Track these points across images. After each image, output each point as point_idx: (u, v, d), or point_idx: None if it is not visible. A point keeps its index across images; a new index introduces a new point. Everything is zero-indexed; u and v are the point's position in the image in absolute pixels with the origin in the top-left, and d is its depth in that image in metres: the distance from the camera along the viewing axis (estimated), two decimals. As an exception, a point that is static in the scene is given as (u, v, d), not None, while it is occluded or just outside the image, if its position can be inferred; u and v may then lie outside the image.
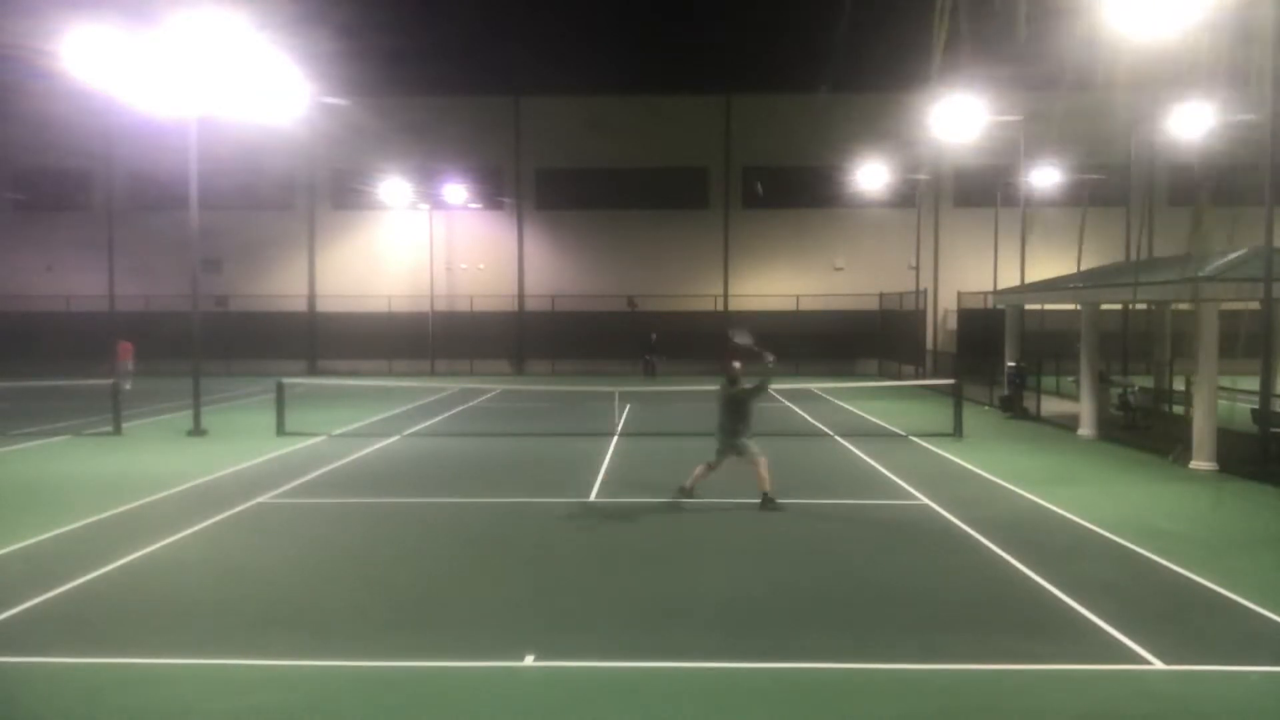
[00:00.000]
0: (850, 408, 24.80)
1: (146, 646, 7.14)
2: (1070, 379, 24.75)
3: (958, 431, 18.94)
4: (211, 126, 23.11)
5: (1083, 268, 23.70)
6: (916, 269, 37.16)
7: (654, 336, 36.78)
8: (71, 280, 39.26)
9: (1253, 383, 15.36)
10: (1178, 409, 19.12)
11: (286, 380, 21.01)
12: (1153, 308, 21.72)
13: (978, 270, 35.56)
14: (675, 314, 38.61)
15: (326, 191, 39.99)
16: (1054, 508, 12.23)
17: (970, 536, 10.72)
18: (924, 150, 35.01)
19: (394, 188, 38.47)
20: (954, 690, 6.46)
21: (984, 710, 6.16)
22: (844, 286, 39.01)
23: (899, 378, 33.07)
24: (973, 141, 30.21)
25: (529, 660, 6.93)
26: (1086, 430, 19.42)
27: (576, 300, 39.18)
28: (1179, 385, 19.51)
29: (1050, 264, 31.14)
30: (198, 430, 19.39)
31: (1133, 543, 10.27)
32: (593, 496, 13.13)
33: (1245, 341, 16.06)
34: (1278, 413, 14.96)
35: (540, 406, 25.33)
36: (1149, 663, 6.90)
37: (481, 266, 39.65)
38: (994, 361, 24.78)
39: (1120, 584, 8.86)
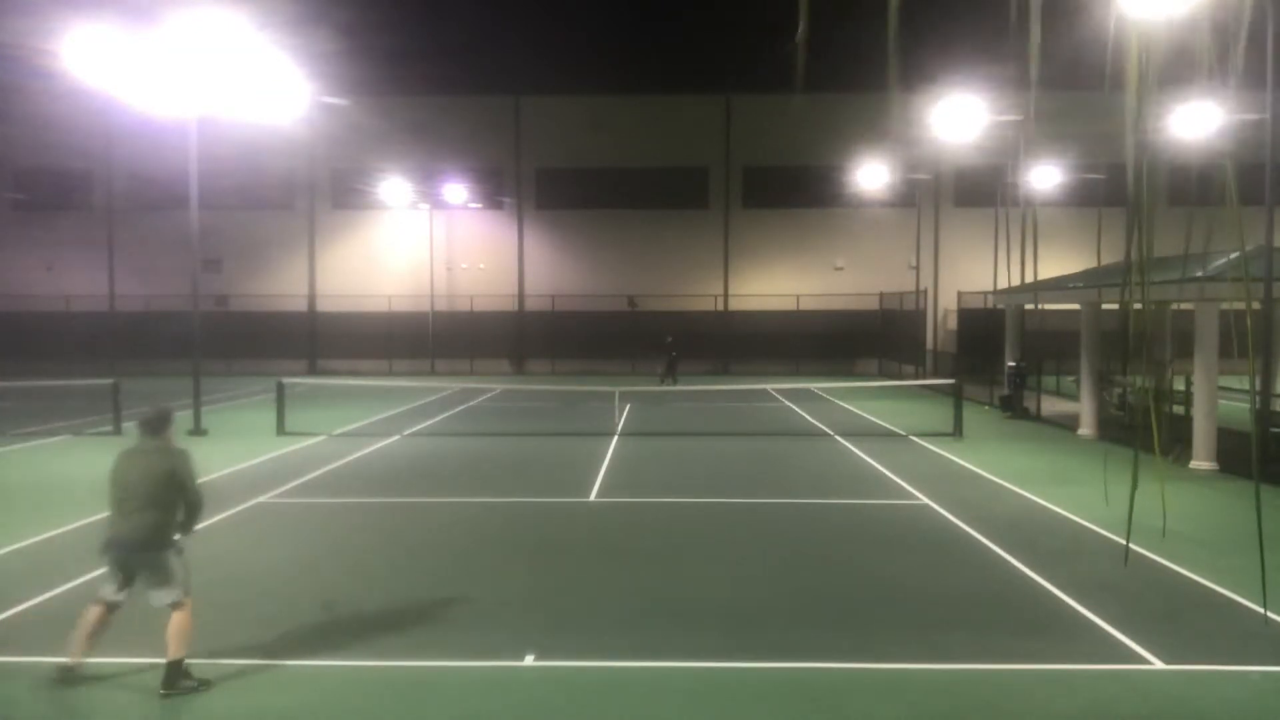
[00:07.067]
0: (850, 407, 24.80)
1: (146, 646, 7.13)
2: (1070, 379, 24.75)
3: (958, 431, 18.94)
4: (211, 126, 23.10)
5: (1085, 268, 23.70)
6: (916, 269, 37.16)
7: (669, 339, 33.74)
8: (71, 280, 39.26)
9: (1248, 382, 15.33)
10: (1179, 409, 19.11)
11: (286, 380, 21.01)
12: (1153, 307, 21.72)
13: (978, 270, 35.56)
14: (675, 314, 38.58)
15: (326, 191, 39.98)
16: (1054, 508, 12.23)
17: (970, 536, 10.72)
18: (924, 150, 35.00)
19: (394, 187, 38.47)
20: (954, 690, 6.46)
21: (984, 710, 6.16)
22: (844, 286, 39.01)
23: (899, 377, 33.07)
24: (973, 141, 30.20)
25: (529, 660, 6.93)
26: (1086, 430, 19.42)
27: (576, 300, 39.18)
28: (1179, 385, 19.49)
29: (1051, 264, 31.10)
30: (198, 430, 19.38)
31: (1133, 542, 10.25)
32: (593, 496, 13.13)
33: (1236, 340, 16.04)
34: (1277, 412, 14.97)
35: (540, 406, 25.33)
36: (1149, 663, 6.90)
37: (482, 266, 39.65)
38: (994, 361, 24.78)
39: (1120, 584, 8.85)
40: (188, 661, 6.43)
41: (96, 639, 6.46)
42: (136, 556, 6.34)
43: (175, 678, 6.30)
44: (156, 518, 6.29)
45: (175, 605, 6.36)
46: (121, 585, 6.44)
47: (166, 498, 6.32)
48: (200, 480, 6.67)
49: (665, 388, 30.68)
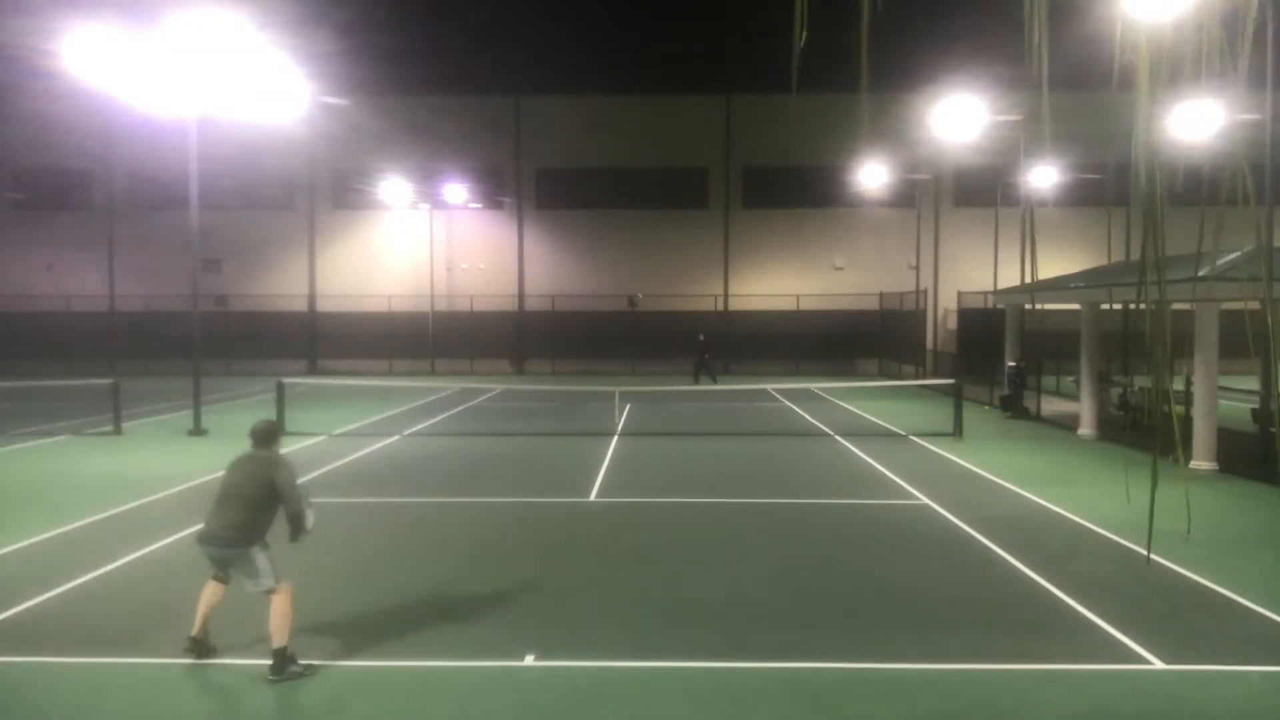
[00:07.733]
0: (850, 407, 24.80)
1: (146, 646, 7.14)
2: (1070, 379, 24.76)
3: (958, 431, 18.94)
4: (211, 126, 23.10)
5: (1085, 268, 23.68)
6: (916, 269, 37.17)
7: (702, 337, 33.54)
8: (71, 280, 39.25)
9: (1248, 382, 15.36)
10: (1178, 409, 19.10)
11: (287, 380, 21.01)
12: (1153, 307, 21.69)
13: (978, 270, 35.56)
14: (675, 314, 38.61)
15: (326, 191, 39.97)
16: (1054, 508, 12.23)
17: (970, 536, 10.72)
18: (924, 150, 35.00)
19: (394, 187, 38.45)
20: (954, 690, 6.46)
21: (984, 710, 6.16)
22: (844, 286, 39.00)
23: (899, 377, 33.07)
24: (973, 141, 30.20)
25: (529, 660, 6.93)
26: (1086, 430, 19.42)
27: (576, 300, 39.17)
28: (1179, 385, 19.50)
29: (1052, 264, 31.14)
30: (198, 430, 19.39)
31: (1133, 543, 10.26)
32: (593, 496, 13.13)
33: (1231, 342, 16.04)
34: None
35: (540, 406, 25.32)
36: (1149, 663, 6.90)
37: (482, 266, 39.65)
38: (994, 361, 24.78)
39: (1120, 584, 8.86)
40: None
41: (212, 611, 6.94)
42: (223, 552, 6.82)
43: (282, 664, 6.62)
44: (245, 518, 6.75)
45: (270, 592, 6.73)
46: (220, 569, 6.96)
47: (261, 501, 6.80)
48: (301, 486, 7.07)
49: (704, 386, 30.82)
